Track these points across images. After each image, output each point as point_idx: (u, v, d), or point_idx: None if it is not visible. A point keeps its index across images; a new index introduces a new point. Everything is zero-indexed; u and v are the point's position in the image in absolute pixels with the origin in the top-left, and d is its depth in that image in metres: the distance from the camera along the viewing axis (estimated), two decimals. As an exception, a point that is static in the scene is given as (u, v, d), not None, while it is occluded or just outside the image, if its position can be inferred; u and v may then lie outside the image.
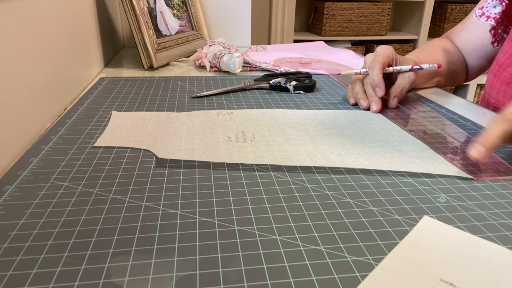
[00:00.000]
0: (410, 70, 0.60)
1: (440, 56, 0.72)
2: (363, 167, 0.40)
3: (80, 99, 0.61)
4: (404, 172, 0.40)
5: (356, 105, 0.61)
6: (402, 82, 0.60)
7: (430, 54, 0.72)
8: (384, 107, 0.59)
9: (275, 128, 0.50)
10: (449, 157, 0.43)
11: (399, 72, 0.60)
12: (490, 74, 0.65)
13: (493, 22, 0.69)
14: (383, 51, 0.60)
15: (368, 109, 0.58)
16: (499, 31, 0.69)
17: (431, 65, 0.60)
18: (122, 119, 0.52)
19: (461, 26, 0.77)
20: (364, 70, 0.60)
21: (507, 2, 0.67)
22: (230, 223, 0.32)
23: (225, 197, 0.35)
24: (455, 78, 0.77)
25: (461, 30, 0.77)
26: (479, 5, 0.73)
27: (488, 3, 0.71)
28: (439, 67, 0.60)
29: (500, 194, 0.37)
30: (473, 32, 0.74)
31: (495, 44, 0.70)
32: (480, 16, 0.72)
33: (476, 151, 0.38)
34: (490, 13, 0.70)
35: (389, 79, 0.61)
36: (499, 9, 0.69)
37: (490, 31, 0.70)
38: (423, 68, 0.60)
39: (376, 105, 0.57)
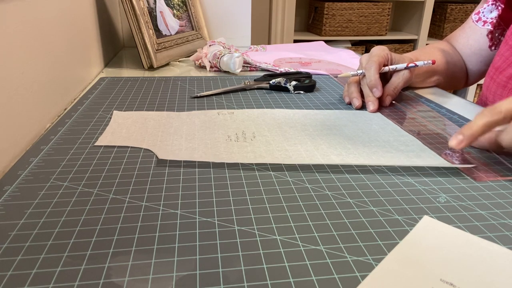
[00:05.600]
0: (406, 68, 0.60)
1: (438, 55, 0.72)
2: (361, 163, 0.40)
3: (80, 99, 0.61)
4: (402, 168, 0.40)
5: (351, 104, 0.61)
6: (396, 81, 0.60)
7: (428, 53, 0.72)
8: (382, 107, 0.59)
9: (275, 128, 0.50)
10: (449, 158, 0.43)
11: (394, 70, 0.61)
12: (487, 77, 0.65)
13: (490, 27, 0.70)
14: (378, 52, 0.60)
15: (361, 108, 0.59)
16: (496, 34, 0.69)
17: (425, 62, 0.60)
18: (123, 118, 0.52)
19: (460, 31, 0.77)
20: (360, 71, 0.60)
21: (503, 6, 0.67)
22: (230, 223, 0.32)
23: (225, 197, 0.35)
24: (454, 81, 0.76)
25: (460, 34, 0.77)
26: (476, 10, 0.73)
27: (484, 8, 0.71)
28: (433, 63, 0.60)
29: (500, 194, 0.37)
30: (471, 37, 0.74)
31: (493, 48, 0.71)
32: (477, 21, 0.72)
33: (455, 140, 0.40)
34: (487, 18, 0.70)
35: (385, 78, 0.62)
36: (495, 13, 0.69)
37: (487, 35, 0.70)
38: (418, 66, 0.60)
39: (372, 105, 0.57)
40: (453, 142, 0.40)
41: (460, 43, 0.76)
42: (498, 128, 0.41)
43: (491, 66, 0.64)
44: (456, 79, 0.76)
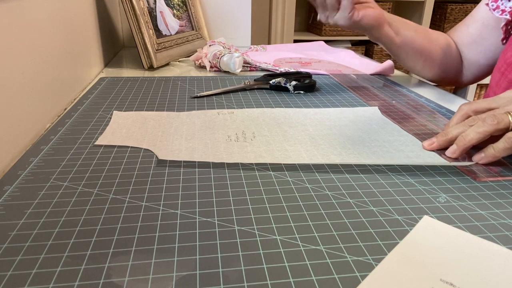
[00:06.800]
0: None
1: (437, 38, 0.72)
2: (361, 163, 0.40)
3: (80, 99, 0.61)
4: (402, 168, 0.40)
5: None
6: None
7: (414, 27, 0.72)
8: (382, 107, 0.59)
9: (275, 128, 0.50)
10: (448, 157, 0.43)
11: None
12: (496, 72, 0.63)
13: (508, 16, 0.65)
14: None
15: (362, 105, 0.58)
16: (509, 27, 0.66)
17: None
18: (123, 118, 0.52)
19: (461, 22, 0.76)
20: None
21: None
22: (230, 223, 0.32)
23: (225, 197, 0.35)
24: (448, 71, 0.75)
25: (460, 24, 0.76)
26: None
27: None
28: None
29: (500, 194, 0.37)
30: (471, 25, 0.72)
31: (504, 41, 0.67)
32: (494, 9, 0.67)
33: (428, 142, 0.45)
34: (505, 7, 0.66)
35: None
36: None
37: (502, 28, 0.66)
38: None
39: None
40: (425, 143, 0.45)
41: (460, 32, 0.74)
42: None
43: (503, 61, 0.61)
44: (449, 69, 0.74)
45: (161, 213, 0.33)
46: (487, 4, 0.68)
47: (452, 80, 0.78)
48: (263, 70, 0.83)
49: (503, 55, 0.62)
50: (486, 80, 0.71)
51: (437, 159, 0.42)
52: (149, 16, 0.82)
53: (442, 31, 0.84)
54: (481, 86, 2.15)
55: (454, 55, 0.75)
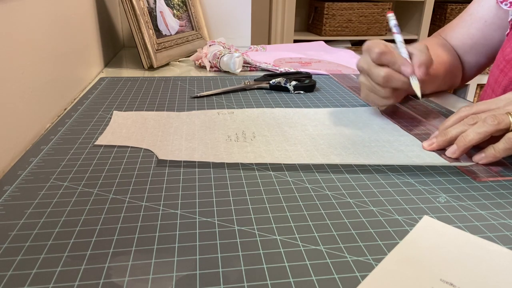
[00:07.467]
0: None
1: (443, 54, 0.68)
2: (361, 163, 0.40)
3: (80, 99, 0.61)
4: (402, 168, 0.40)
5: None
6: (419, 54, 0.50)
7: (431, 49, 0.67)
8: (385, 110, 0.59)
9: (275, 128, 0.50)
10: (448, 157, 0.43)
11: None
12: (495, 68, 0.61)
13: None
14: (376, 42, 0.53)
15: (365, 105, 0.58)
16: None
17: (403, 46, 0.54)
18: (123, 118, 0.52)
19: (457, 20, 0.72)
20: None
21: None
22: (230, 223, 0.32)
23: (225, 197, 0.35)
24: (453, 79, 0.72)
25: (458, 24, 0.71)
26: None
27: None
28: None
29: (500, 194, 0.37)
30: (472, 25, 0.68)
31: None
32: (502, 2, 0.63)
33: (428, 142, 0.45)
34: None
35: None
36: None
37: (510, 21, 0.63)
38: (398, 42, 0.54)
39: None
40: (425, 143, 0.45)
41: (459, 33, 0.70)
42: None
43: (501, 58, 0.59)
44: (455, 77, 0.72)
45: (161, 213, 0.33)
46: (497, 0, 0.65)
47: (456, 84, 0.76)
48: (263, 70, 0.83)
49: (501, 52, 0.61)
50: (486, 80, 0.71)
51: (437, 159, 0.42)
52: (149, 16, 0.82)
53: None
54: (481, 86, 2.14)
55: (457, 62, 0.72)
